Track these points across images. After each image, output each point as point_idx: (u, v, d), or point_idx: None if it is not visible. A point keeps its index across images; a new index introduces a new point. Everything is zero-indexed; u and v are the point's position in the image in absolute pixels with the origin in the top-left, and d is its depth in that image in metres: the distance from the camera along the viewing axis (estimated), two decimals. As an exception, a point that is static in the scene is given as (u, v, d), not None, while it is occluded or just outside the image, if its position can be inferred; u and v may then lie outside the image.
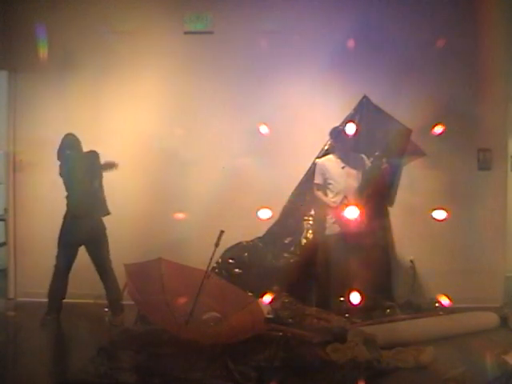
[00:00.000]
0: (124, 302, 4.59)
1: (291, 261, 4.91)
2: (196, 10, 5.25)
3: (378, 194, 4.79)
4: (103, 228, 4.57)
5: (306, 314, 4.45)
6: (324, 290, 4.66)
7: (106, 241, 4.58)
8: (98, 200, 4.56)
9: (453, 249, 5.05)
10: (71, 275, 4.56)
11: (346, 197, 4.60)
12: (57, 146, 4.49)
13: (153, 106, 5.23)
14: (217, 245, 4.14)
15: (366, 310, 4.50)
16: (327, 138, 4.93)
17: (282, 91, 5.15)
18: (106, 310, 4.63)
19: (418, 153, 5.06)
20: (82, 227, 4.45)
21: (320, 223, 4.83)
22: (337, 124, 4.92)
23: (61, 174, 4.51)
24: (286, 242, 5.05)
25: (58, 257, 4.48)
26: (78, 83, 5.21)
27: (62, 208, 4.50)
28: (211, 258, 4.14)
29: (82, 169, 4.48)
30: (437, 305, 4.75)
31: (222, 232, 4.14)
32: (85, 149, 4.57)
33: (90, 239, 4.50)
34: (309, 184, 4.94)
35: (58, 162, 4.51)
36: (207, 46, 5.25)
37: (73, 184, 4.48)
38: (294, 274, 4.79)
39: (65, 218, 4.51)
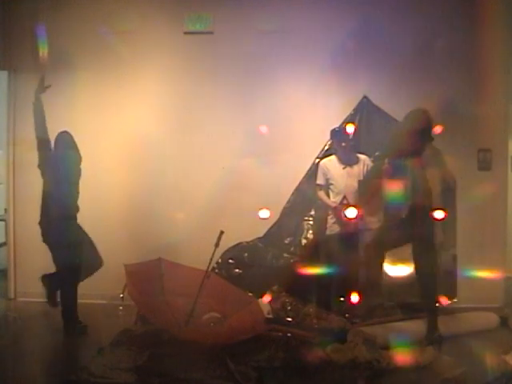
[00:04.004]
0: (124, 303, 4.59)
1: (291, 261, 4.92)
2: (196, 10, 5.25)
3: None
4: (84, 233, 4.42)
5: (306, 314, 4.45)
6: (324, 290, 4.66)
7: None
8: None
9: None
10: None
11: (345, 197, 4.61)
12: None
13: (153, 105, 5.23)
14: (217, 245, 4.15)
15: (366, 310, 4.50)
16: (327, 138, 4.94)
17: (281, 91, 5.15)
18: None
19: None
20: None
21: (320, 223, 4.84)
22: (337, 124, 4.93)
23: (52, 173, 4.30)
24: (286, 242, 5.06)
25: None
26: (78, 83, 5.21)
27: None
28: (211, 259, 4.14)
29: (78, 170, 4.39)
30: (437, 305, 4.75)
31: (222, 232, 4.15)
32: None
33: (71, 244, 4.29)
34: (309, 184, 4.95)
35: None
36: (207, 46, 5.25)
37: (70, 184, 4.33)
38: (294, 274, 4.80)
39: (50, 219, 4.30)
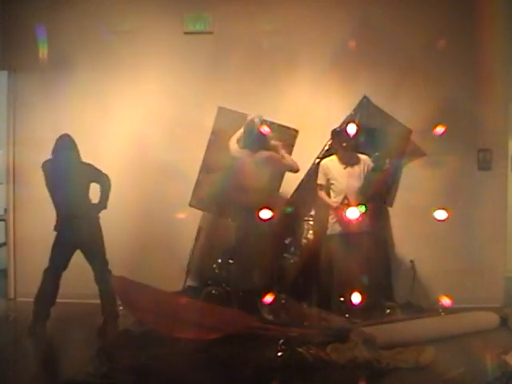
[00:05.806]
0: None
1: (291, 261, 4.92)
2: (196, 10, 5.26)
3: (379, 195, 4.80)
4: (99, 229, 4.44)
5: (306, 314, 4.44)
6: (324, 290, 4.66)
7: (102, 243, 4.44)
8: (88, 202, 4.44)
9: (453, 249, 5.05)
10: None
11: (346, 197, 4.60)
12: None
13: (152, 105, 5.22)
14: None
15: (367, 310, 4.50)
16: (328, 138, 4.94)
17: (282, 91, 5.15)
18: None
19: (418, 153, 5.07)
20: (77, 229, 4.31)
21: (321, 223, 4.83)
22: (337, 124, 4.93)
23: (51, 174, 4.39)
24: (286, 242, 5.05)
25: (51, 260, 4.36)
26: (78, 83, 5.22)
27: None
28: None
29: (78, 174, 4.36)
30: (437, 305, 4.76)
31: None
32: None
33: (85, 241, 4.34)
34: (309, 184, 4.94)
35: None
36: (207, 46, 5.25)
37: (66, 186, 4.33)
38: (294, 275, 4.79)
39: (58, 219, 4.40)
